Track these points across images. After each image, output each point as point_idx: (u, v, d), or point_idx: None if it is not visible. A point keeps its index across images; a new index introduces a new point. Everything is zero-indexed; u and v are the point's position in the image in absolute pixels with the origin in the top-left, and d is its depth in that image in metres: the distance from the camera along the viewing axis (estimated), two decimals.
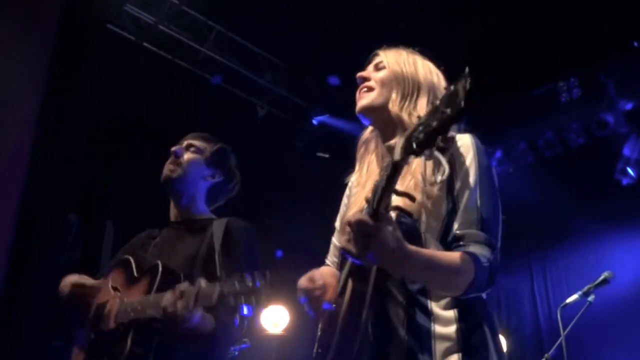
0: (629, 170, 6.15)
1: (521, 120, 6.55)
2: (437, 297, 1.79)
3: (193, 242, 2.68)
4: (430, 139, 1.41)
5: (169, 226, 2.86)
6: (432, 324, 1.77)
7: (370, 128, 2.19)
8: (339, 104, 6.91)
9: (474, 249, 1.73)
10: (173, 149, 2.84)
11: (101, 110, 5.58)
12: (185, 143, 2.87)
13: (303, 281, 1.98)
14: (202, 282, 2.25)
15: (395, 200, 1.82)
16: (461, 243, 1.75)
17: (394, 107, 2.00)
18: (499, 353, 1.79)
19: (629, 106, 6.08)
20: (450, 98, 1.37)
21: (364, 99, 2.08)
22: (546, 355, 4.17)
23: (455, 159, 1.85)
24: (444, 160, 1.52)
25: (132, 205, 6.33)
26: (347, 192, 2.29)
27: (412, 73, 2.06)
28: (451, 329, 1.76)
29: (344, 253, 1.60)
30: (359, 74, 2.13)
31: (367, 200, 1.59)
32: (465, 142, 1.88)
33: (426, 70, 2.09)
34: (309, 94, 7.11)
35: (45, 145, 4.56)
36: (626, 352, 5.79)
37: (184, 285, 2.28)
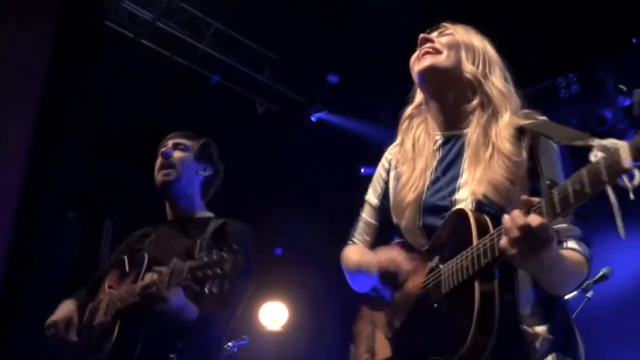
0: None
1: None
2: (524, 297, 1.66)
3: (188, 239, 2.70)
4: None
5: (166, 224, 2.87)
6: (522, 325, 1.63)
7: (416, 103, 2.01)
8: (337, 100, 6.91)
9: (576, 245, 1.66)
10: (162, 150, 2.84)
11: (99, 107, 5.57)
12: (171, 143, 2.89)
13: (396, 258, 1.79)
14: (175, 261, 2.29)
15: (478, 184, 1.70)
16: (559, 238, 1.58)
17: (466, 68, 1.84)
18: (584, 349, 1.73)
19: (627, 102, 6.08)
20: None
21: (428, 59, 1.86)
22: None
23: (538, 148, 1.72)
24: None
25: (131, 203, 6.33)
26: (384, 164, 2.08)
27: (482, 46, 1.92)
28: (542, 329, 1.65)
29: (506, 252, 1.43)
30: (422, 35, 1.92)
31: (533, 207, 1.42)
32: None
33: (494, 51, 1.96)
34: (307, 90, 7.10)
35: (43, 143, 4.56)
36: (624, 348, 5.80)
37: (162, 268, 2.32)
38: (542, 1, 5.51)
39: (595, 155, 1.29)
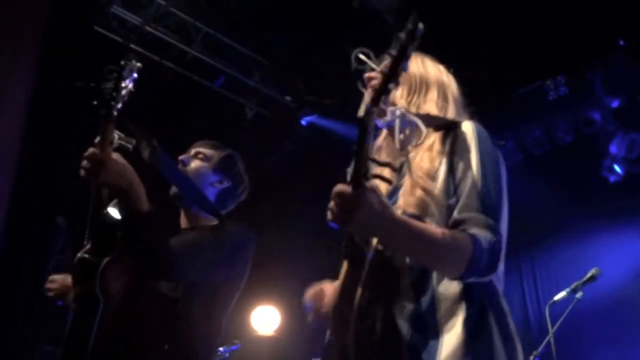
0: (616, 167, 6.21)
1: (509, 119, 6.58)
2: (444, 285, 1.74)
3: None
4: (382, 85, 1.48)
5: (179, 233, 2.83)
6: (439, 319, 1.71)
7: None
8: (327, 104, 6.92)
9: (474, 230, 1.66)
10: (180, 158, 2.84)
11: (89, 111, 5.54)
12: (193, 151, 2.87)
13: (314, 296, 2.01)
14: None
15: (403, 202, 1.84)
16: (461, 227, 1.67)
17: (401, 101, 2.01)
18: (505, 339, 1.71)
19: (615, 104, 6.13)
20: (396, 41, 1.48)
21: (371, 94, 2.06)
22: (535, 352, 4.20)
23: (457, 147, 1.85)
24: (419, 122, 1.59)
25: None
26: None
27: (419, 71, 2.09)
28: (458, 321, 1.70)
29: (329, 224, 1.62)
30: (366, 75, 2.10)
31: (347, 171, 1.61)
32: (466, 129, 1.88)
33: (435, 69, 2.11)
34: (297, 94, 7.11)
35: (33, 148, 4.54)
36: (613, 348, 5.84)
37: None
38: (530, 4, 5.55)
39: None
